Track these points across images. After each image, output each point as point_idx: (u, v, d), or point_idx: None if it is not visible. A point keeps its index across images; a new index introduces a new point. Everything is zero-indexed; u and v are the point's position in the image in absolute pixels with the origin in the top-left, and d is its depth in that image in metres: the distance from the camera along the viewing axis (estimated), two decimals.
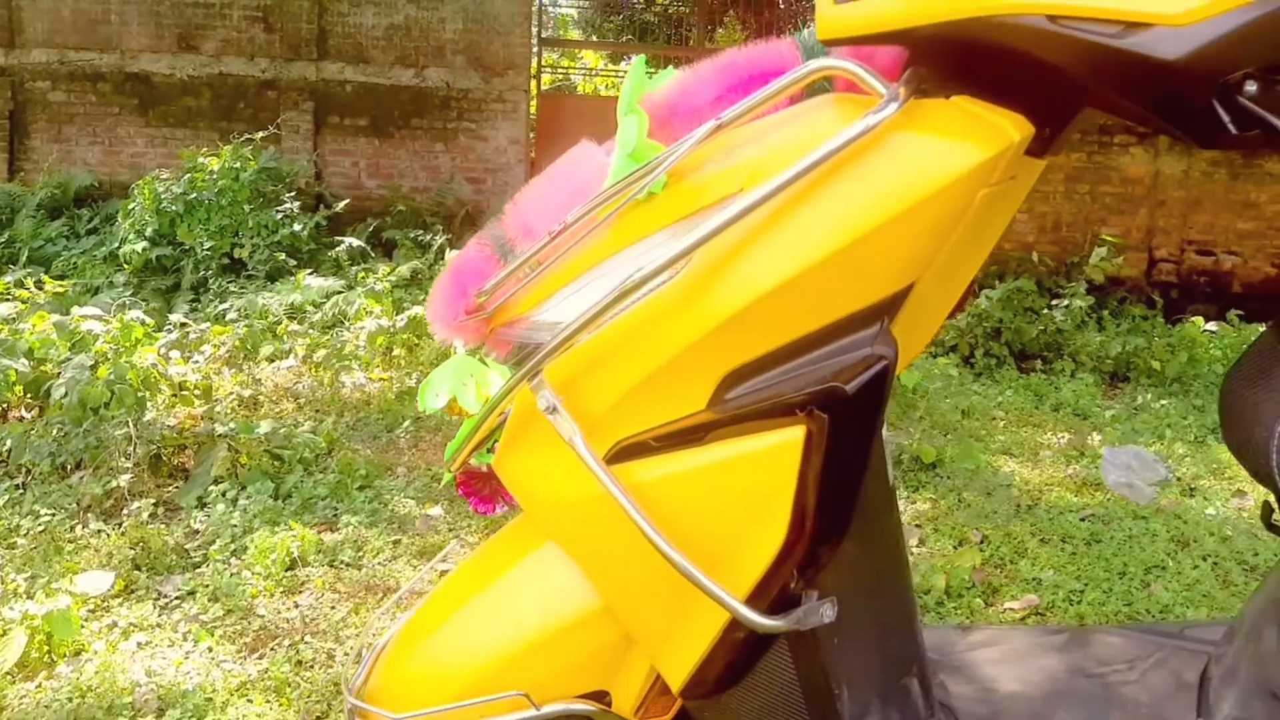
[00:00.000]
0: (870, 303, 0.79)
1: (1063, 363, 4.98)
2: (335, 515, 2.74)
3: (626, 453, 0.85)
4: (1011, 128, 0.75)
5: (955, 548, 2.65)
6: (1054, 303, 5.40)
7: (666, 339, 0.80)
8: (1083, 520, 2.87)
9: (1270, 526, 1.01)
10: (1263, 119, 0.69)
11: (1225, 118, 0.70)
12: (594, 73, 11.85)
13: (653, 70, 0.92)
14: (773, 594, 0.84)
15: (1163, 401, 4.38)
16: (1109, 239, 6.29)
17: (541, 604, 0.98)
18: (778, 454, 0.80)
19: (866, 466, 0.81)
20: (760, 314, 0.78)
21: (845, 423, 0.78)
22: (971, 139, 0.75)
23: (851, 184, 0.76)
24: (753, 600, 0.84)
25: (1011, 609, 2.31)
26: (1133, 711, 1.16)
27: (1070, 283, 5.78)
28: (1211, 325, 5.36)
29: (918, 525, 2.81)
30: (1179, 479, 3.23)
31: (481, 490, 1.09)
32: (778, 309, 0.78)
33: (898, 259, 0.77)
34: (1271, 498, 0.97)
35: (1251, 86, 0.69)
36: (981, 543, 2.69)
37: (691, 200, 0.82)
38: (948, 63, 0.79)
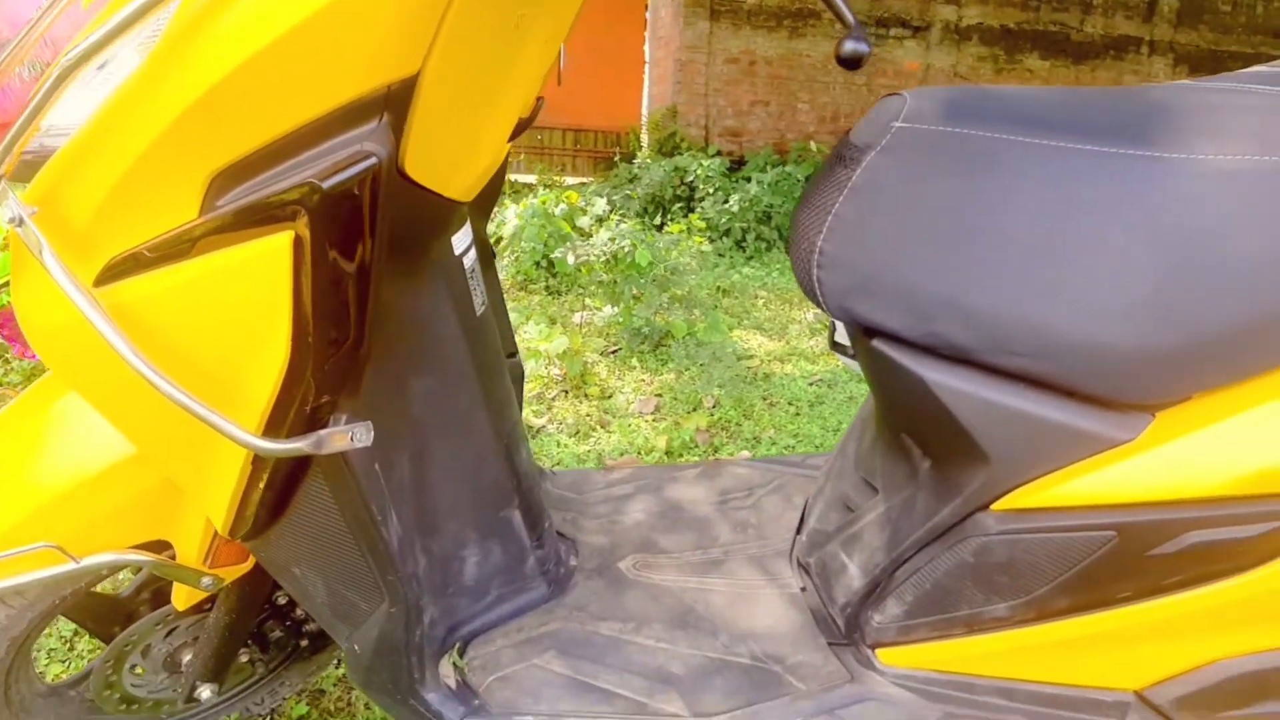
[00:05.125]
0: (360, 94, 0.72)
1: None
2: None
3: (120, 270, 0.76)
4: None
5: (689, 413, 2.74)
6: None
7: (136, 131, 0.71)
8: (811, 385, 3.03)
9: (833, 345, 1.06)
10: None
11: None
12: None
13: None
14: (291, 418, 0.79)
15: None
16: None
17: (70, 453, 0.90)
18: (267, 261, 0.73)
19: (368, 272, 0.76)
20: (232, 99, 0.69)
21: (332, 225, 0.73)
22: None
23: None
24: (272, 427, 0.79)
25: None
26: (742, 531, 1.22)
27: None
28: None
29: (659, 395, 2.88)
30: None
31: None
32: (251, 94, 0.70)
33: (375, 39, 0.70)
34: (839, 323, 1.01)
35: None
36: (713, 407, 2.78)
37: None
38: None
